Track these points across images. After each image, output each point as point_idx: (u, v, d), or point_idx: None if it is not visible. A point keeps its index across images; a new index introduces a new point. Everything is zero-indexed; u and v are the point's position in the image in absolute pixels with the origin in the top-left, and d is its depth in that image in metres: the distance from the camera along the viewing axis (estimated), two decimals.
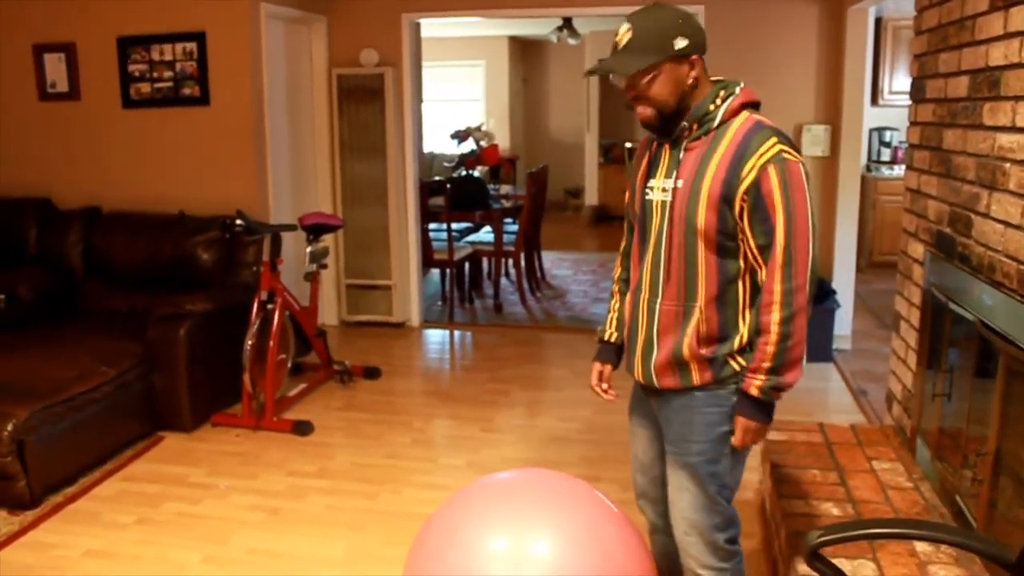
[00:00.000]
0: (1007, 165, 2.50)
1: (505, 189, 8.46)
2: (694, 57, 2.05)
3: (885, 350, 4.18)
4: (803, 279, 1.96)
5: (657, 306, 2.13)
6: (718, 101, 2.06)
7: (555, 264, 8.84)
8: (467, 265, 7.30)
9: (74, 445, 3.85)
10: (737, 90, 2.08)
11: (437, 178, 7.86)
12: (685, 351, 2.10)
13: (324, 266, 5.02)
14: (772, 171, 1.95)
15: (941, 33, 3.19)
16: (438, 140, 11.34)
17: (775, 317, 1.97)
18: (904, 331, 3.57)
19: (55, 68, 5.49)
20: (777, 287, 1.97)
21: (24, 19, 5.45)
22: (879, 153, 8.08)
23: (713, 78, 2.13)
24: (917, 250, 3.42)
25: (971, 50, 2.85)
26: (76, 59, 5.44)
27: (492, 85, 12.46)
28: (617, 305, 2.45)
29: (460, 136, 8.29)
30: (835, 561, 1.90)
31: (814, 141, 5.65)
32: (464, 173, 7.91)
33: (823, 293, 5.48)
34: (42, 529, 3.45)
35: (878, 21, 7.55)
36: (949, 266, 2.99)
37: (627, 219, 2.37)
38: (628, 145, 11.14)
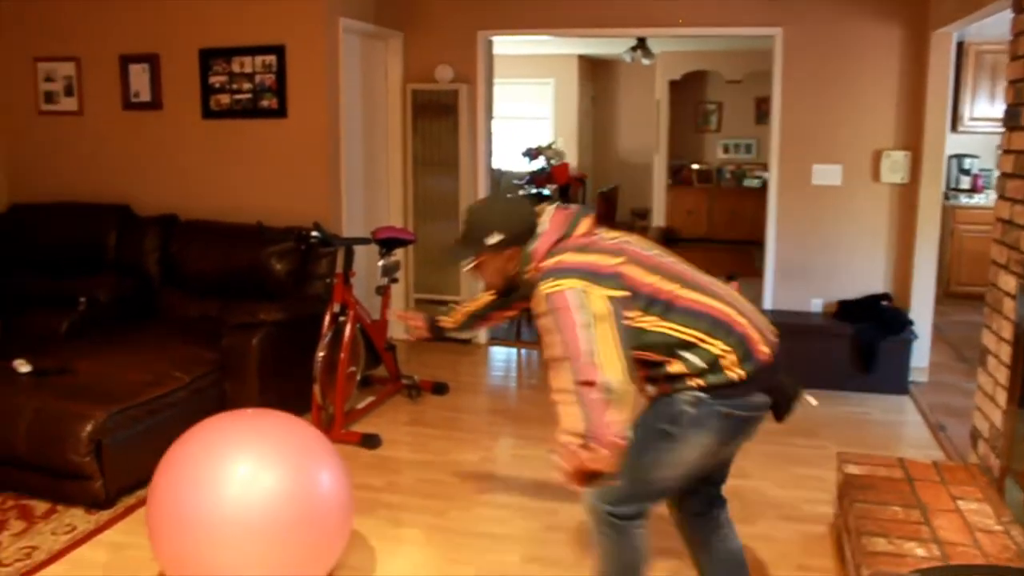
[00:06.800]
0: None
1: None
2: (511, 250, 2.32)
3: (964, 384, 4.06)
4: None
5: None
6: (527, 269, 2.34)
7: None
8: None
9: (148, 448, 3.87)
10: (531, 251, 2.31)
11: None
12: None
13: (395, 280, 5.04)
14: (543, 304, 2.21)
15: None
16: (505, 157, 11.36)
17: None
18: (992, 367, 3.44)
19: (139, 78, 5.63)
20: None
21: (112, 31, 5.61)
22: (958, 181, 7.87)
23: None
24: (1008, 283, 3.30)
25: None
26: (159, 70, 5.57)
27: (561, 103, 12.44)
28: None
29: (531, 154, 8.31)
30: None
31: (893, 168, 5.51)
32: (534, 191, 7.91)
33: (899, 324, 5.33)
34: (116, 529, 3.52)
35: (960, 45, 7.37)
36: None
37: None
38: None
